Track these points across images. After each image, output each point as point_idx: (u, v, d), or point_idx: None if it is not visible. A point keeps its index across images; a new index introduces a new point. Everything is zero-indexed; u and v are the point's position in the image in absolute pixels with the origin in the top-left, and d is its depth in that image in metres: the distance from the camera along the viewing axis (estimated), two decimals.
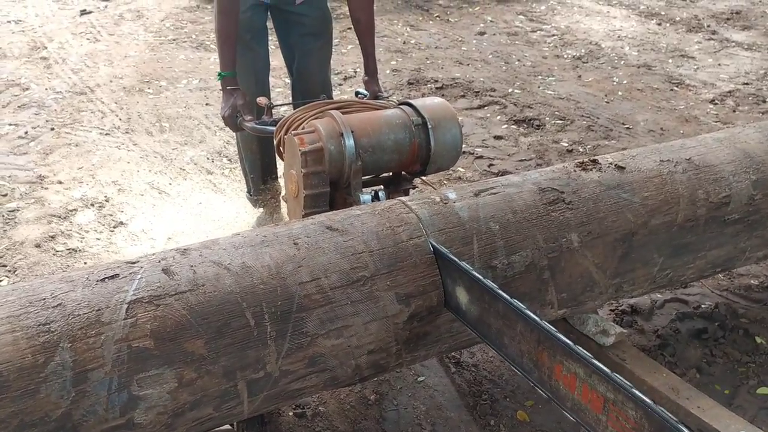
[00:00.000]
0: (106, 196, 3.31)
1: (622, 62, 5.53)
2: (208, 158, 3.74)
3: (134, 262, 1.49)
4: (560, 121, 4.41)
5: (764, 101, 4.79)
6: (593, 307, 1.98)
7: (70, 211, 3.20)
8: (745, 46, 5.83)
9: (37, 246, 2.92)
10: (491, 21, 6.52)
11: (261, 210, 3.04)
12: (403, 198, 1.79)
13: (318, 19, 2.69)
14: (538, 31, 6.27)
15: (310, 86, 2.73)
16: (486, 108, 4.62)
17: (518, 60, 5.58)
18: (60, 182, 3.47)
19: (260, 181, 2.90)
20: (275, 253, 1.54)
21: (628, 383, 1.10)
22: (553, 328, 1.27)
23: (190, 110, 4.37)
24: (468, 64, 5.44)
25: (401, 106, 2.12)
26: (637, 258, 1.92)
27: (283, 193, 2.21)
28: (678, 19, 6.54)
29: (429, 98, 2.16)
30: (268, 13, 2.69)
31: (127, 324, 1.35)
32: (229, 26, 2.31)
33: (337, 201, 2.03)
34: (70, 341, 1.30)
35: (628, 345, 1.99)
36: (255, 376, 1.45)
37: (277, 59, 3.06)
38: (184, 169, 3.61)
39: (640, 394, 1.08)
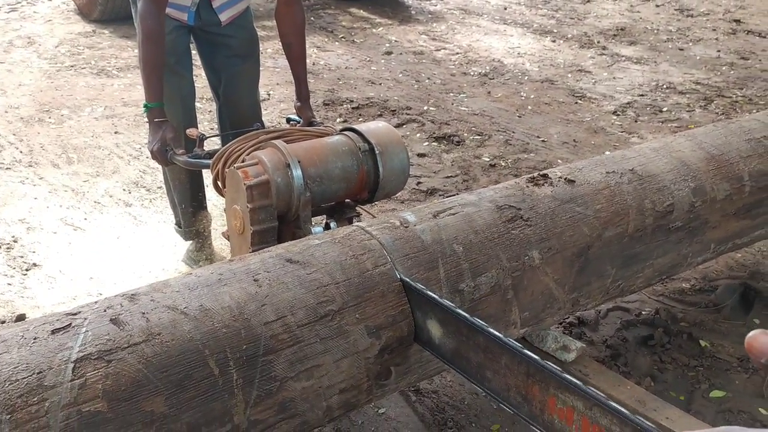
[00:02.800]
0: (14, 237, 3.02)
1: (526, 78, 5.69)
2: (124, 189, 3.50)
3: (75, 313, 1.33)
4: (478, 137, 4.46)
5: (661, 111, 5.05)
6: (552, 323, 1.97)
7: None
8: (634, 60, 6.15)
9: None
10: (396, 41, 6.58)
11: (190, 242, 2.86)
12: (361, 224, 1.71)
13: (245, 41, 2.58)
14: (443, 50, 6.37)
15: (240, 110, 2.60)
16: (405, 126, 4.62)
17: (428, 78, 5.63)
18: None
19: (190, 212, 2.73)
20: (235, 292, 1.42)
21: (640, 418, 1.05)
22: (546, 361, 1.22)
23: (98, 139, 4.10)
24: (380, 84, 5.44)
25: (345, 132, 2.04)
26: (593, 271, 1.92)
27: (224, 229, 2.07)
28: (570, 36, 6.82)
29: (373, 123, 2.09)
30: (191, 36, 2.54)
31: (75, 386, 1.19)
32: (156, 54, 2.15)
33: (284, 235, 1.91)
34: (9, 412, 1.13)
35: (588, 359, 1.99)
36: (222, 430, 1.32)
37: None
38: (99, 203, 3.35)
39: (650, 425, 1.04)
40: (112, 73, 5.26)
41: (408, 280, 1.53)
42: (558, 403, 1.22)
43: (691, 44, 6.62)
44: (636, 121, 4.85)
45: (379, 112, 4.79)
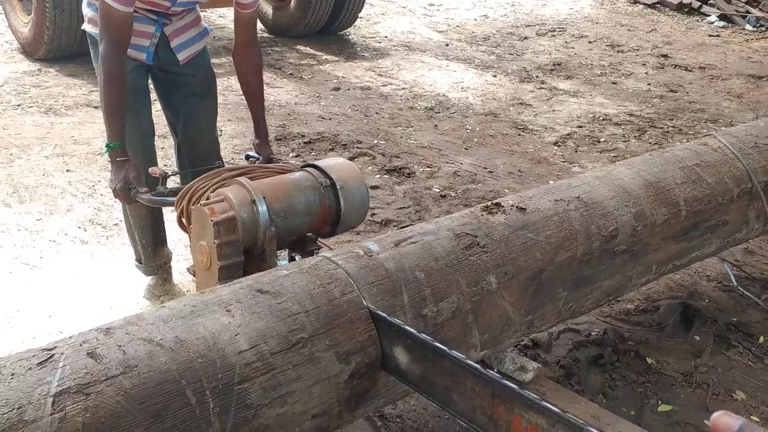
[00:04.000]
0: None
1: (471, 111, 5.87)
2: (79, 227, 3.48)
3: (51, 349, 1.36)
4: (428, 169, 4.59)
5: (599, 141, 5.29)
6: (509, 345, 2.06)
7: None
8: (571, 93, 6.42)
9: None
10: (343, 77, 6.70)
11: (150, 278, 2.86)
12: (326, 254, 1.77)
13: (203, 79, 2.64)
14: (389, 85, 6.52)
15: (199, 147, 2.65)
16: (356, 159, 4.71)
17: (376, 113, 5.75)
18: None
19: (151, 248, 2.74)
20: (209, 323, 1.46)
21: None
22: (509, 382, 1.29)
23: (49, 178, 4.06)
24: (330, 119, 5.53)
25: (307, 169, 2.11)
26: (546, 294, 2.02)
27: (189, 264, 2.11)
28: (510, 71, 7.08)
29: (332, 159, 2.18)
30: (149, 74, 2.59)
31: (55, 419, 1.22)
32: (118, 95, 2.19)
33: (250, 269, 1.96)
34: None
35: (545, 379, 2.08)
36: None
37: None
38: (54, 241, 3.32)
39: None
40: (60, 112, 5.21)
41: (374, 308, 1.60)
42: (523, 422, 1.29)
43: (623, 78, 6.96)
44: (576, 151, 5.07)
45: (330, 147, 4.88)
